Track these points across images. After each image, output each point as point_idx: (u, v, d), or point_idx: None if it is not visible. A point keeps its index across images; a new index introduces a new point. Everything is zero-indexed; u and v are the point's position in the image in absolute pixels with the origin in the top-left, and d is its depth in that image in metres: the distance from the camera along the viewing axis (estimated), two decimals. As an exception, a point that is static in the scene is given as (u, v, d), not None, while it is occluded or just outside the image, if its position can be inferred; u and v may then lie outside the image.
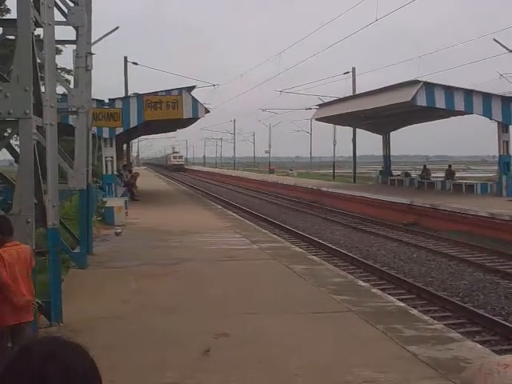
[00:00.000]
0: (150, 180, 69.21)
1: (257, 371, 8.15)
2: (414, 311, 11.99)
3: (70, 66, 32.22)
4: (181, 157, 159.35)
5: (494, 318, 14.36)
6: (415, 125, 55.31)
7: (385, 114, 46.25)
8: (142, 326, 10.44)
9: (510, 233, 26.10)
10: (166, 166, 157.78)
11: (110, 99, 34.78)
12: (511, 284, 18.14)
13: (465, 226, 29.13)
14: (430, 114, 44.82)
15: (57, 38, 12.32)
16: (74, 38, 17.01)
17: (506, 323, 13.90)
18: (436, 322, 11.32)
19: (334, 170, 76.06)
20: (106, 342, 9.48)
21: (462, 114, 42.61)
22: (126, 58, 53.65)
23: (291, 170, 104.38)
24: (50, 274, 10.59)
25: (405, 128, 55.50)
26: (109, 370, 8.12)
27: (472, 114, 39.09)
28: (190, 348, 9.16)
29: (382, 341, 9.58)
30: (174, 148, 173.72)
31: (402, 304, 12.59)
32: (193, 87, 36.97)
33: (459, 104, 37.51)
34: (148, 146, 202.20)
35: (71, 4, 16.23)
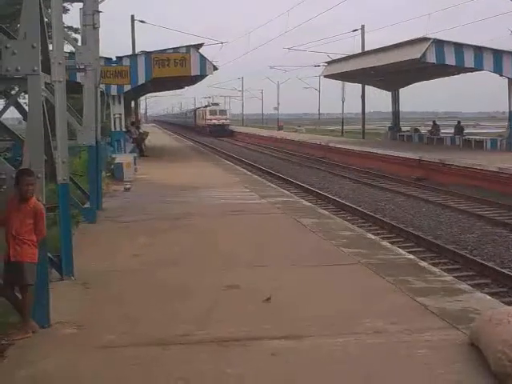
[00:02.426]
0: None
1: (268, 321, 8.21)
2: (424, 263, 12.00)
3: (77, 24, 32.15)
4: (223, 112, 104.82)
5: (502, 270, 14.43)
6: (424, 81, 54.99)
7: (394, 71, 46.01)
8: (153, 279, 10.51)
9: (519, 187, 26.06)
10: (193, 127, 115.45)
11: (117, 57, 34.68)
12: (520, 237, 18.18)
13: (474, 180, 29.11)
14: (439, 70, 44.56)
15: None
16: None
17: (515, 275, 13.97)
18: (445, 274, 11.33)
19: (342, 126, 76.02)
20: (117, 295, 9.58)
21: (472, 71, 42.39)
22: (132, 16, 53.54)
23: (299, 127, 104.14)
24: (60, 228, 10.63)
25: (414, 84, 55.22)
26: (120, 322, 8.24)
27: (482, 70, 38.89)
28: (201, 300, 9.22)
29: (391, 292, 9.62)
30: (210, 99, 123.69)
31: (412, 256, 12.62)
32: (201, 45, 36.77)
33: (469, 61, 37.30)
34: (157, 103, 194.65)
35: (78, -39, 16.11)
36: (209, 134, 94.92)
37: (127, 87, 34.52)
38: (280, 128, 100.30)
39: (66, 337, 7.79)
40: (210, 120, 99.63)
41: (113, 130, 34.57)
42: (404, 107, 66.57)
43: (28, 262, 7.72)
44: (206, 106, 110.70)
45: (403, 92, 56.07)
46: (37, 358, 7.10)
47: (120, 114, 34.97)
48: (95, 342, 7.52)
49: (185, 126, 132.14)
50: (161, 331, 7.88)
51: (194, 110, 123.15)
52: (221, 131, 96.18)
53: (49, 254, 9.03)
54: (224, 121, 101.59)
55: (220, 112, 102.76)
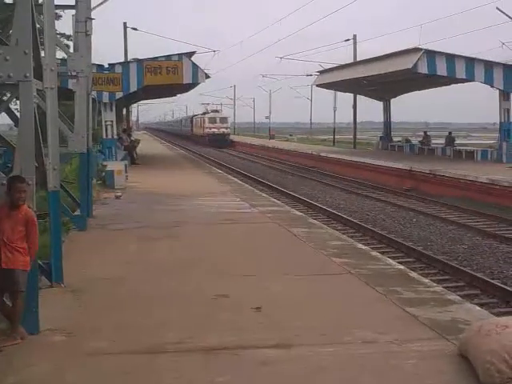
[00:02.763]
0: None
1: (257, 331, 8.21)
2: (414, 274, 12.02)
3: (69, 31, 32.17)
4: (224, 120, 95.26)
5: (492, 281, 14.47)
6: (416, 92, 55.20)
7: (386, 81, 46.23)
8: (143, 287, 10.49)
9: (509, 199, 26.18)
10: (189, 136, 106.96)
11: (109, 64, 34.75)
12: (510, 248, 18.29)
13: (464, 191, 29.24)
14: (431, 81, 44.86)
15: (56, 2, 12.28)
16: (73, 3, 16.96)
17: (505, 286, 14.02)
18: (435, 284, 11.37)
19: (334, 135, 76.03)
20: (106, 302, 9.56)
21: (463, 82, 42.61)
22: (125, 23, 53.69)
23: (291, 136, 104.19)
24: (50, 235, 10.61)
25: (405, 95, 55.39)
26: (110, 330, 8.23)
27: (473, 81, 39.13)
28: (191, 308, 9.22)
29: (381, 302, 9.63)
30: (208, 105, 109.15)
31: (402, 267, 12.62)
32: (193, 53, 36.94)
33: (461, 72, 37.56)
34: (148, 110, 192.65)
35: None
36: (207, 144, 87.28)
37: (119, 94, 34.53)
38: (272, 137, 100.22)
39: (54, 344, 7.76)
40: (210, 129, 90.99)
41: (104, 137, 34.56)
42: (395, 117, 66.86)
43: (20, 270, 7.71)
44: (204, 113, 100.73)
45: (395, 102, 56.28)
46: (25, 365, 7.08)
47: (111, 121, 34.98)
48: (84, 350, 7.50)
49: (180, 134, 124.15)
50: (150, 339, 7.86)
51: (191, 118, 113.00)
52: (221, 141, 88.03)
53: (39, 261, 9.01)
54: (224, 130, 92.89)
55: (220, 120, 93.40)
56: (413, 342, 7.81)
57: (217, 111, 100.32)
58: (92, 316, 8.91)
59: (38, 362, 7.18)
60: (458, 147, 46.79)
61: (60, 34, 40.86)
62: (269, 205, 21.73)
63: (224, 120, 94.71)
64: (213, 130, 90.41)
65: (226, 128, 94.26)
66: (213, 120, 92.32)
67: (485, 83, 38.29)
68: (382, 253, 15.59)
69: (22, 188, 7.69)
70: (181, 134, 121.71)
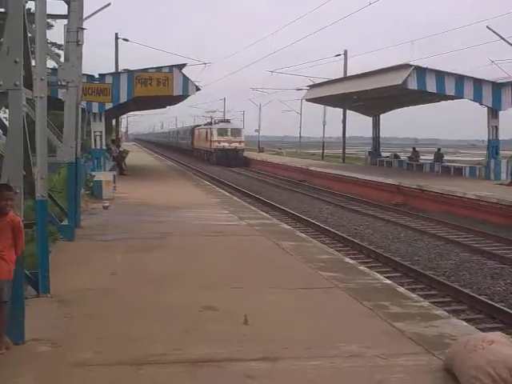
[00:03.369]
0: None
1: (244, 344, 8.19)
2: (401, 289, 12.05)
3: (61, 41, 32.15)
4: (237, 132, 77.30)
5: (479, 297, 14.50)
6: (405, 108, 55.45)
7: (375, 97, 46.49)
8: (130, 298, 10.44)
9: (496, 215, 26.35)
10: (189, 151, 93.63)
11: (100, 74, 34.74)
12: (497, 264, 18.36)
13: (452, 207, 29.34)
14: (420, 97, 45.14)
15: (48, 12, 12.26)
16: (65, 12, 16.94)
17: (491, 302, 14.07)
18: (422, 299, 11.37)
19: (323, 149, 76.32)
20: (93, 313, 9.50)
21: (452, 99, 42.86)
22: (116, 34, 53.69)
23: (280, 149, 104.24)
24: (37, 245, 10.56)
25: (395, 110, 55.62)
26: (96, 341, 8.19)
27: (463, 98, 39.39)
28: (178, 320, 9.19)
29: (368, 317, 9.63)
30: (214, 114, 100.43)
31: (389, 282, 12.63)
32: (183, 65, 36.94)
33: (450, 89, 37.77)
34: (137, 122, 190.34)
35: (63, -22, 16.14)
36: (216, 163, 72.12)
37: (109, 105, 34.52)
38: (261, 150, 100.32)
39: (40, 354, 7.71)
40: (218, 142, 73.88)
41: (93, 147, 34.49)
42: (384, 133, 67.09)
43: (5, 279, 7.66)
44: (209, 123, 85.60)
45: (384, 118, 56.51)
46: (10, 375, 7.02)
47: (101, 132, 34.91)
48: (70, 361, 7.45)
49: (176, 148, 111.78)
50: (136, 351, 7.82)
51: (192, 129, 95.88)
52: (232, 159, 72.00)
53: (25, 271, 8.96)
54: (237, 144, 74.53)
55: (233, 132, 75.71)
56: (399, 356, 7.81)
57: (227, 121, 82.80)
58: (78, 327, 8.86)
59: (23, 373, 7.13)
60: (446, 163, 47.04)
61: (51, 43, 40.90)
62: (257, 218, 21.73)
63: (237, 132, 76.86)
64: (222, 144, 73.68)
65: (240, 142, 75.40)
66: (223, 132, 75.30)
67: (474, 100, 38.52)
68: (370, 267, 15.60)
69: (9, 196, 7.66)
70: (177, 148, 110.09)
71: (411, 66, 36.88)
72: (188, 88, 35.81)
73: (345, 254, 17.31)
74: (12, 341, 7.83)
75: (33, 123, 10.63)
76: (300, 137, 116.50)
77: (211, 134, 75.79)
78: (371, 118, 56.20)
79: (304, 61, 78.57)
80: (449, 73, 37.85)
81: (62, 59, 18.48)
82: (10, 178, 7.99)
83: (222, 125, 77.99)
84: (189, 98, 42.43)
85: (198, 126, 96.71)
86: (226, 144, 73.42)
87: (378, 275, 13.30)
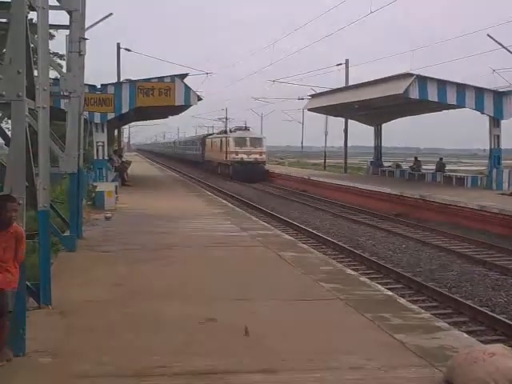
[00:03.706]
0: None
1: (245, 356, 8.19)
2: (402, 300, 12.06)
3: (63, 51, 32.21)
4: (258, 142, 66.37)
5: (480, 308, 14.47)
6: (407, 117, 55.44)
7: (377, 106, 46.40)
8: (131, 310, 10.44)
9: (498, 226, 26.28)
10: (199, 163, 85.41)
11: (102, 84, 34.78)
12: (499, 276, 18.30)
13: (454, 217, 29.30)
14: (422, 106, 45.11)
15: (50, 22, 12.28)
16: (67, 22, 16.97)
17: (493, 314, 14.03)
18: (423, 311, 11.36)
19: (325, 159, 76.11)
20: (94, 325, 9.50)
21: (454, 108, 42.74)
22: (118, 44, 53.75)
23: (282, 159, 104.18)
24: (39, 256, 10.56)
25: (397, 120, 55.60)
26: (97, 352, 8.19)
27: (464, 107, 39.25)
28: (178, 332, 9.19)
29: (369, 329, 9.63)
30: (228, 121, 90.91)
31: (391, 293, 12.63)
32: (185, 75, 37.02)
33: (451, 98, 37.72)
34: (138, 132, 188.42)
35: (65, -12, 16.15)
36: (232, 177, 62.94)
37: (111, 115, 34.56)
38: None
39: (40, 366, 7.72)
40: (236, 154, 63.83)
41: (95, 158, 34.56)
42: (387, 142, 66.99)
43: (10, 290, 7.68)
44: (224, 132, 76.76)
45: (386, 127, 56.50)
46: (11, 387, 7.04)
47: (103, 142, 34.96)
48: (70, 372, 7.46)
49: (183, 159, 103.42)
50: (137, 362, 7.83)
51: (203, 138, 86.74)
52: (252, 173, 61.46)
53: (27, 282, 8.97)
54: (258, 156, 64.25)
55: (252, 142, 65.28)
56: (400, 368, 7.81)
57: (246, 129, 70.34)
58: (79, 338, 8.86)
59: (23, 385, 7.15)
60: (448, 173, 47.00)
61: (53, 53, 40.94)
62: (259, 228, 21.73)
63: (258, 142, 66.10)
64: (240, 155, 63.60)
65: (261, 154, 64.95)
66: (241, 142, 65.12)
67: (475, 109, 38.43)
68: (371, 278, 15.60)
69: (14, 207, 7.68)
70: (184, 159, 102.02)
71: (413, 75, 36.87)
72: (190, 98, 35.89)
73: (346, 265, 17.31)
74: (13, 352, 7.83)
75: (35, 134, 10.65)
76: (302, 146, 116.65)
77: (227, 144, 66.04)
78: (373, 128, 56.18)
79: (306, 70, 78.69)
80: (450, 82, 37.83)
81: (64, 69, 18.53)
82: (12, 188, 8.01)
83: (239, 133, 67.63)
84: (191, 107, 42.40)
85: (209, 134, 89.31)
86: (244, 156, 63.56)
87: (380, 286, 13.30)
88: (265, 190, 50.78)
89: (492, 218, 26.94)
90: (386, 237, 25.89)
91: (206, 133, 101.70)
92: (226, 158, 65.70)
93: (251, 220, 24.78)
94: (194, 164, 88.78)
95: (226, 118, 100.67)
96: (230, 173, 64.20)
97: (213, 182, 55.44)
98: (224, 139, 68.49)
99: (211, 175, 69.01)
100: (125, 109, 35.22)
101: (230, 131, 71.93)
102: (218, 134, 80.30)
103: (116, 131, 58.51)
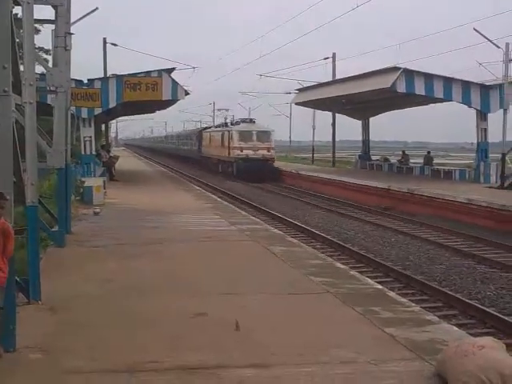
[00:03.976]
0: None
1: (235, 350, 8.18)
2: (392, 294, 12.07)
3: (48, 45, 32.07)
4: (266, 136, 57.12)
5: (470, 301, 14.50)
6: (395, 111, 55.52)
7: (364, 100, 46.47)
8: (121, 304, 10.42)
9: (486, 219, 26.36)
10: (196, 160, 75.58)
11: (89, 79, 34.68)
12: (487, 269, 18.34)
13: (442, 211, 29.35)
14: (409, 100, 45.22)
15: (35, 17, 12.21)
16: (52, 17, 16.88)
17: (482, 307, 14.05)
18: (413, 304, 11.36)
19: (313, 153, 76.05)
20: (84, 320, 9.47)
21: (441, 102, 42.84)
22: (104, 39, 53.45)
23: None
24: (28, 251, 10.52)
25: (384, 114, 55.68)
26: (87, 348, 8.16)
27: (451, 101, 39.38)
28: (170, 327, 9.18)
29: (359, 322, 9.63)
30: (228, 113, 75.61)
31: (380, 286, 12.65)
32: (172, 69, 36.93)
33: (438, 91, 37.85)
34: (126, 127, 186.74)
35: (50, -17, 16.08)
36: (236, 176, 55.35)
37: (98, 110, 34.42)
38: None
39: (31, 362, 7.69)
40: (240, 150, 55.66)
41: (83, 153, 34.44)
42: (374, 136, 67.06)
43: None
44: (225, 124, 67.31)
45: (374, 121, 56.56)
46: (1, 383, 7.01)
47: (90, 137, 34.87)
48: (61, 368, 7.44)
49: (175, 155, 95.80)
50: (128, 358, 7.80)
51: (199, 132, 78.40)
52: (260, 171, 53.65)
53: (16, 278, 8.93)
54: (266, 152, 55.92)
55: (259, 136, 56.51)
56: (390, 362, 7.81)
57: (252, 121, 60.95)
58: (69, 334, 8.83)
59: (14, 380, 7.11)
60: (436, 167, 47.10)
61: (39, 48, 40.78)
62: (247, 223, 21.73)
63: (265, 136, 57.34)
64: (246, 151, 55.50)
65: (269, 149, 56.55)
66: (247, 136, 56.66)
67: (462, 103, 38.56)
68: (361, 272, 15.60)
69: (1, 203, 7.64)
70: (177, 155, 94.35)
71: (399, 68, 36.94)
72: (177, 92, 35.81)
73: (336, 259, 17.32)
74: (3, 348, 7.81)
75: (22, 129, 10.60)
76: (290, 141, 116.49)
77: (230, 139, 57.58)
78: (361, 122, 56.22)
79: (293, 64, 78.65)
80: (437, 75, 37.92)
81: (50, 64, 18.44)
82: (-1, 184, 7.97)
83: (244, 126, 58.82)
84: (178, 102, 42.34)
85: (207, 127, 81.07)
86: (250, 152, 55.41)
87: (369, 280, 13.32)
88: (253, 184, 50.56)
89: (480, 212, 27.01)
90: (375, 230, 25.91)
91: (201, 127, 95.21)
92: (229, 154, 57.41)
93: (240, 214, 24.80)
94: (189, 160, 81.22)
95: (214, 113, 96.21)
96: (234, 171, 56.69)
97: (209, 180, 53.94)
98: (226, 133, 59.77)
99: (208, 173, 63.32)
100: (112, 104, 35.12)
101: (232, 124, 63.61)
102: (217, 126, 71.96)
103: (103, 126, 58.33)
